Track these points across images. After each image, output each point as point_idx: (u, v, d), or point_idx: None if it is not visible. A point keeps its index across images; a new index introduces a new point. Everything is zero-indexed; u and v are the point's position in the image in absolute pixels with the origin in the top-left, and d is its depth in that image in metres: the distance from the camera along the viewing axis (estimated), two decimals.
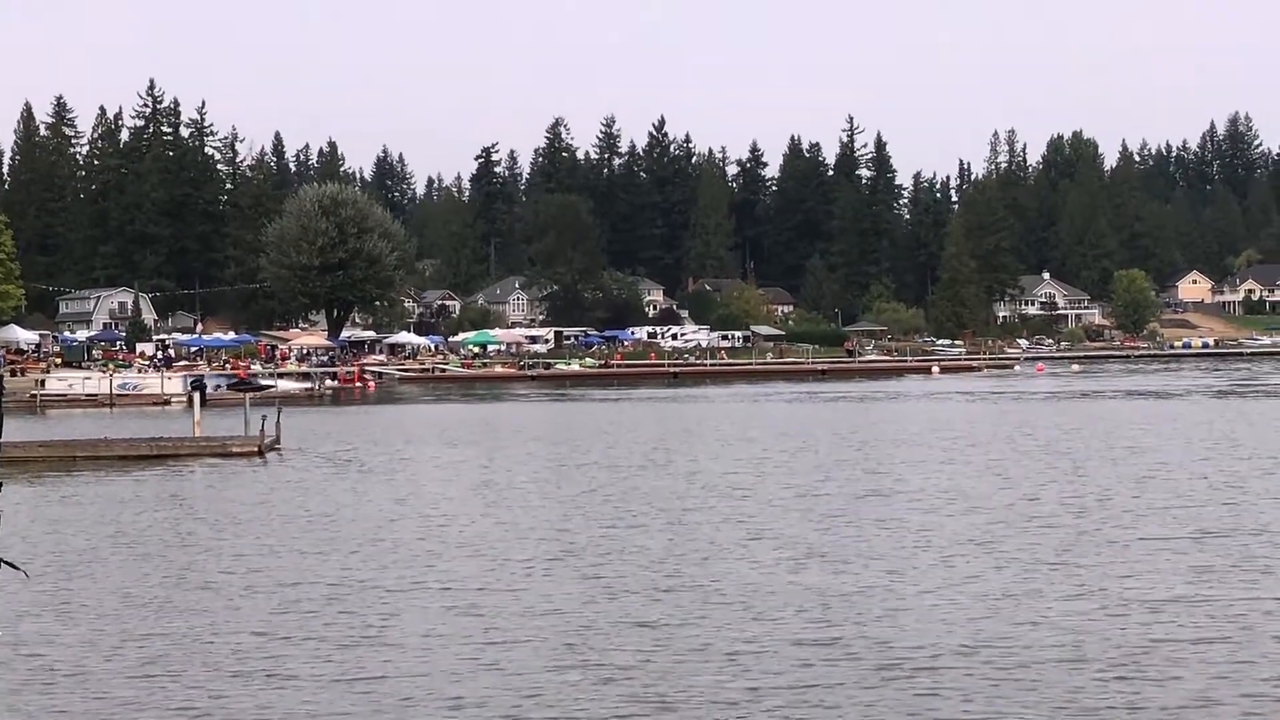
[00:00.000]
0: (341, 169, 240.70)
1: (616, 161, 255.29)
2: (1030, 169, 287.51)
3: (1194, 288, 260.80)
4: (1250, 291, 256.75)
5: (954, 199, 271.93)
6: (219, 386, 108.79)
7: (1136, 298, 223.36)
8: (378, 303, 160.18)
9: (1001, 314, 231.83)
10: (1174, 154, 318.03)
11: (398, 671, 17.91)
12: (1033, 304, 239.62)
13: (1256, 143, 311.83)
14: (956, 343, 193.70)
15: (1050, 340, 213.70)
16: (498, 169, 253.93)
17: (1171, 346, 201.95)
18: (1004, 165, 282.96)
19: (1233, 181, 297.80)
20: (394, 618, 20.91)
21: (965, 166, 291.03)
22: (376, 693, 17.09)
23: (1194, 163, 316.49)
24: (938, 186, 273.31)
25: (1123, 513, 30.91)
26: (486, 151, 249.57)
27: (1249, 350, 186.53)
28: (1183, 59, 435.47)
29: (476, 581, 23.65)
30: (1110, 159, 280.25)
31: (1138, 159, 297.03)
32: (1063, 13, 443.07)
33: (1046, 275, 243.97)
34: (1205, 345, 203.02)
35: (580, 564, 25.41)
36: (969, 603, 21.23)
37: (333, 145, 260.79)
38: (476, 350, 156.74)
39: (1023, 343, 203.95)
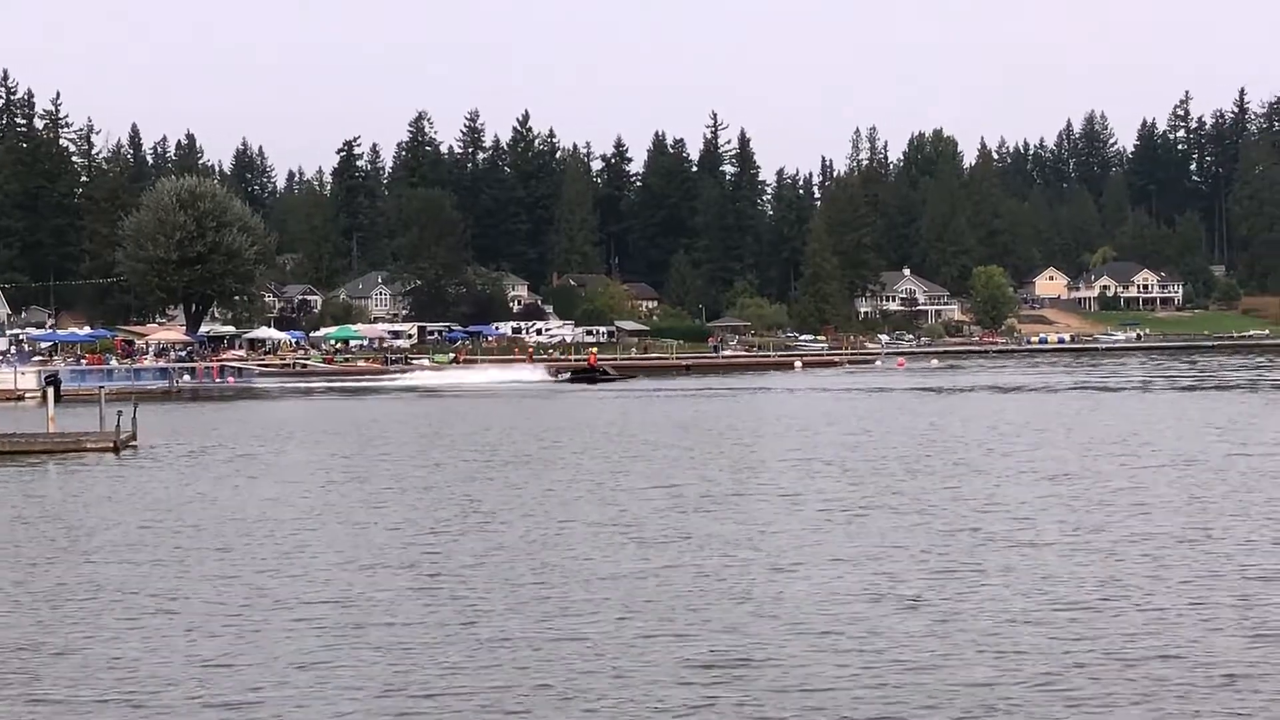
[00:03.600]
0: (200, 161, 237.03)
1: (480, 156, 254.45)
2: (891, 166, 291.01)
3: (1051, 284, 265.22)
4: (1105, 288, 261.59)
5: (817, 196, 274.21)
6: (558, 375, 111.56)
7: (995, 294, 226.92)
8: (237, 297, 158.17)
9: (863, 309, 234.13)
10: (1031, 152, 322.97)
11: (232, 691, 17.45)
12: (894, 300, 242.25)
13: (1112, 141, 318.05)
14: (819, 338, 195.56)
15: (911, 336, 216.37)
16: (360, 163, 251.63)
17: (1029, 342, 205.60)
18: (865, 162, 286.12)
19: (1088, 179, 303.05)
20: (242, 637, 20.25)
21: (828, 163, 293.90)
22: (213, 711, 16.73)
23: (1051, 161, 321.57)
24: (801, 183, 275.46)
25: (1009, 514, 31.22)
26: (348, 145, 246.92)
27: (1104, 346, 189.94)
28: (1041, 57, 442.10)
29: (323, 591, 23.10)
30: (969, 157, 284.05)
31: (996, 157, 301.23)
32: (921, 9, 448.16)
33: (907, 271, 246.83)
34: (1061, 341, 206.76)
35: (436, 571, 25.08)
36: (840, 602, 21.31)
37: (191, 138, 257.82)
38: (338, 346, 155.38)
39: (884, 338, 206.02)
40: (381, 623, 20.24)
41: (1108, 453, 43.69)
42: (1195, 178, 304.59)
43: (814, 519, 29.82)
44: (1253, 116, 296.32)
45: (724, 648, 18.42)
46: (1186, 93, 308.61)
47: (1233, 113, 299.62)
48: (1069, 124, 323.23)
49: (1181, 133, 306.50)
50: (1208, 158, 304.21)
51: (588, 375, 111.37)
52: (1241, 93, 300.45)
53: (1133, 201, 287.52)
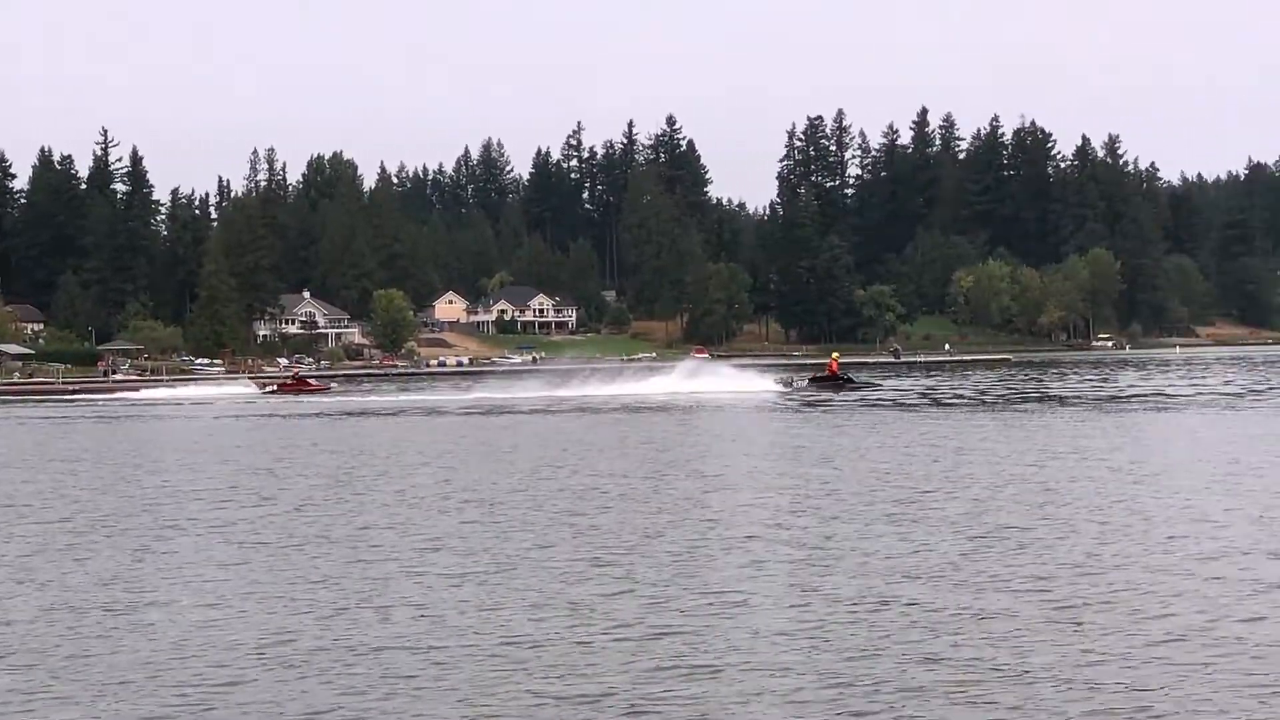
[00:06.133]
0: None
1: None
2: (291, 188, 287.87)
3: (450, 308, 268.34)
4: (503, 312, 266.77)
5: (214, 216, 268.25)
6: (792, 384, 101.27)
7: (395, 317, 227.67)
8: None
9: (262, 333, 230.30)
10: (431, 177, 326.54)
11: None
12: (294, 323, 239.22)
13: (508, 169, 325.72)
14: (216, 361, 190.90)
15: (311, 359, 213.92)
16: None
17: (428, 365, 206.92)
18: (264, 183, 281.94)
19: (486, 206, 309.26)
20: None
21: (225, 184, 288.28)
22: None
23: (450, 186, 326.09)
24: (197, 203, 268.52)
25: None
26: None
27: (503, 369, 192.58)
28: (436, 85, 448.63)
29: None
30: (370, 180, 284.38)
31: (396, 181, 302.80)
32: (323, 29, 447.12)
33: (307, 294, 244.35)
34: (460, 364, 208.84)
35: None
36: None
37: None
38: None
39: (283, 361, 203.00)
40: None
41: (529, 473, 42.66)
42: (588, 206, 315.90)
43: (228, 551, 26.98)
44: (640, 148, 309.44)
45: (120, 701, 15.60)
46: (579, 123, 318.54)
47: (622, 144, 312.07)
48: (467, 151, 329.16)
49: (575, 162, 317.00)
50: (599, 187, 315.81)
51: (833, 382, 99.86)
52: (630, 125, 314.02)
53: (529, 227, 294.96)
